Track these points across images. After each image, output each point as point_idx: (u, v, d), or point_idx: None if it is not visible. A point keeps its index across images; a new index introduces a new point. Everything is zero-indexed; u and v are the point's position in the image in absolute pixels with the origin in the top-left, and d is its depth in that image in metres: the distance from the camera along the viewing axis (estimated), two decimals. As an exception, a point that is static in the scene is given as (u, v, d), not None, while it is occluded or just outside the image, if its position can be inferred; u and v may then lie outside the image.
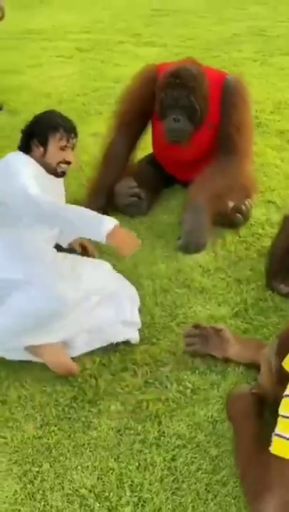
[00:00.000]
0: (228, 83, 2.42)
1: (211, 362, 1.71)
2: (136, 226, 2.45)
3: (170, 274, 2.16)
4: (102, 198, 2.46)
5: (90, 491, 1.37)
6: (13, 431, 1.53)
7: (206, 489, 1.35)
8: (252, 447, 1.34)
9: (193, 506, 1.31)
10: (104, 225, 1.55)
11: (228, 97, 2.40)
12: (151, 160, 2.71)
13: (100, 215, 1.60)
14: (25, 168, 1.72)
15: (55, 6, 7.73)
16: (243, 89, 2.44)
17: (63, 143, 1.83)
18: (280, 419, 1.23)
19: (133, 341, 1.80)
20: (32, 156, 1.82)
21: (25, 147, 1.84)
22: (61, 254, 1.94)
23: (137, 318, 1.86)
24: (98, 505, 1.34)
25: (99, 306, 1.80)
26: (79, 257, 1.98)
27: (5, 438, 1.51)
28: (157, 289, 2.07)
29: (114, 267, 2.19)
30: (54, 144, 1.82)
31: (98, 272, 1.90)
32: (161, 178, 2.70)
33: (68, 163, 1.87)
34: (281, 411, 1.24)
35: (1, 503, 1.35)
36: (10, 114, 3.83)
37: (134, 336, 1.81)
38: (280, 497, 1.15)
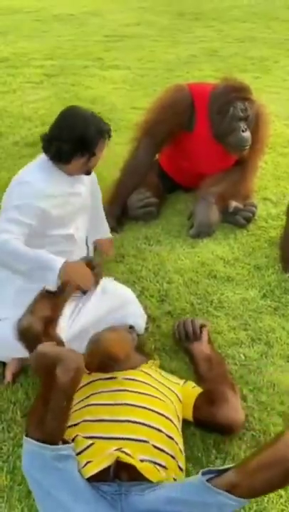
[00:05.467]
0: None
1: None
2: (154, 229, 2.63)
3: (195, 268, 2.35)
4: (119, 208, 2.62)
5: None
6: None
7: None
8: None
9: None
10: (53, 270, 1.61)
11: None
12: (155, 169, 2.89)
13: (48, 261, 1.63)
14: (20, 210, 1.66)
15: (10, 35, 7.87)
16: (263, 110, 2.69)
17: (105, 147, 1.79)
18: None
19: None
20: (69, 164, 1.75)
21: (66, 155, 1.73)
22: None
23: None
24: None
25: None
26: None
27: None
28: (187, 281, 2.26)
29: (141, 267, 2.36)
30: (100, 150, 1.77)
31: (102, 303, 1.82)
32: (165, 185, 2.91)
33: None
34: None
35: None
36: (-3, 138, 3.93)
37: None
38: None
